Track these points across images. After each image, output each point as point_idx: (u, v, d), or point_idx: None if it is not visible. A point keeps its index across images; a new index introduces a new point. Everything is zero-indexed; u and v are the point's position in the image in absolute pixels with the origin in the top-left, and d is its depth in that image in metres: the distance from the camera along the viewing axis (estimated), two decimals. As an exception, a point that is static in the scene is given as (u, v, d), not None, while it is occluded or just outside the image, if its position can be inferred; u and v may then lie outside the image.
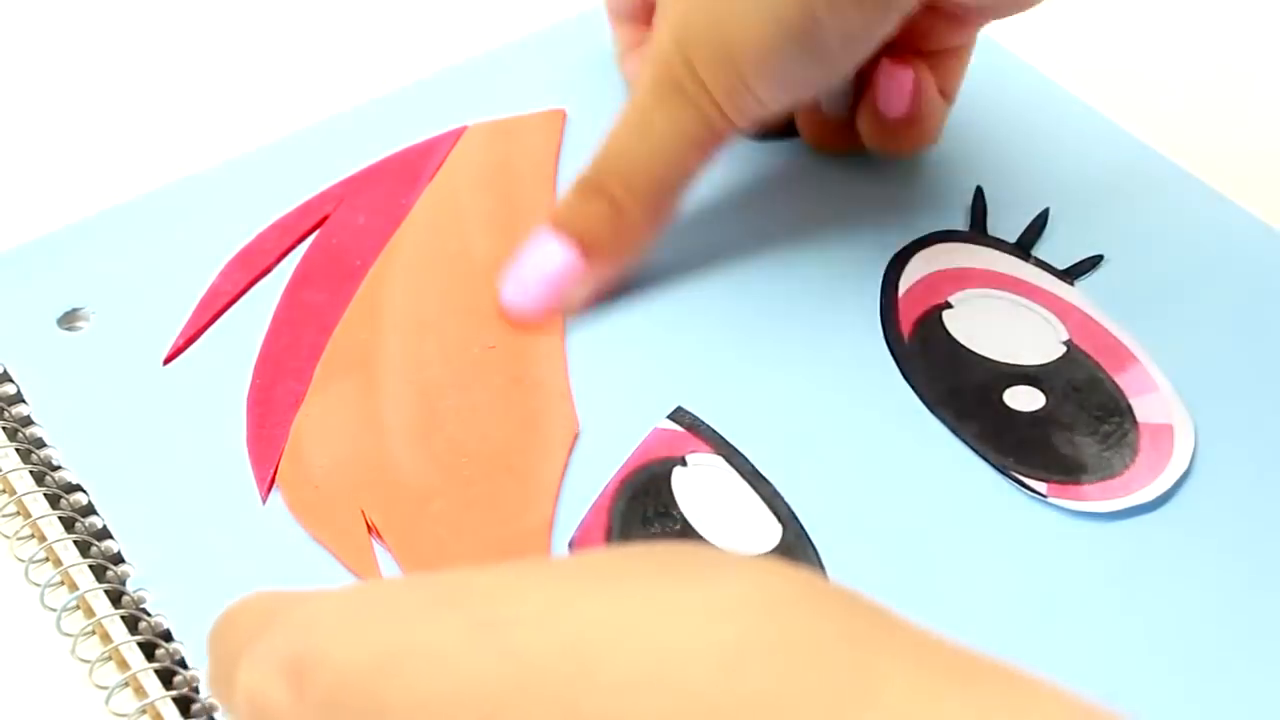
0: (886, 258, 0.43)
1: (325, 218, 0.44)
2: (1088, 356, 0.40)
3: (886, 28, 0.38)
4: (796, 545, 0.36)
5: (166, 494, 0.37)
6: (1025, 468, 0.38)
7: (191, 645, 0.34)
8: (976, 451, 0.38)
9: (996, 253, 0.43)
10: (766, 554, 0.36)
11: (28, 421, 0.39)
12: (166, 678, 0.34)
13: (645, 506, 0.37)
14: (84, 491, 0.37)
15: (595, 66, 0.49)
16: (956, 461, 0.38)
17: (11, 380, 0.40)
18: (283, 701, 0.24)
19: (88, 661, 0.34)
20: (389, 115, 0.47)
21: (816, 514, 0.37)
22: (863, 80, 0.43)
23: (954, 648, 0.22)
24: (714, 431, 0.38)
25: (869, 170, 0.45)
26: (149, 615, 0.35)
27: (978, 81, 0.48)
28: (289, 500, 0.37)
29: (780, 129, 0.45)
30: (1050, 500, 0.37)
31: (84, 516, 0.37)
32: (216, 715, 0.33)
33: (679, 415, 0.39)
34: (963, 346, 0.41)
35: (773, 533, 0.37)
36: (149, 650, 0.34)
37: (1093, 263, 0.43)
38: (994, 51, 0.49)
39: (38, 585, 0.36)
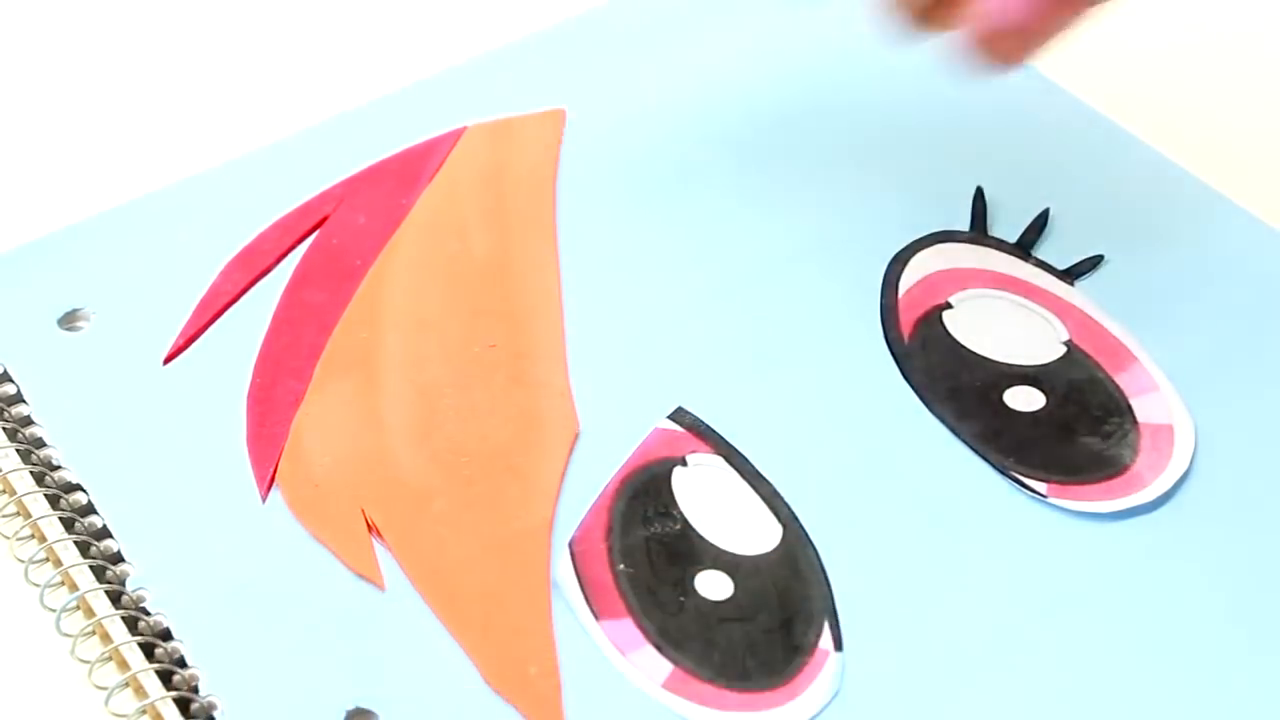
0: (886, 258, 0.43)
1: (325, 218, 0.44)
2: (1088, 356, 0.40)
3: None
4: (796, 545, 0.36)
5: (166, 493, 0.37)
6: (1025, 468, 0.38)
7: (191, 644, 0.34)
8: (976, 451, 0.38)
9: (997, 253, 0.43)
10: (767, 554, 0.36)
11: (28, 421, 0.39)
12: (166, 677, 0.34)
13: (645, 506, 0.37)
14: (84, 491, 0.37)
15: (595, 66, 0.49)
16: (956, 461, 0.38)
17: (11, 380, 0.40)
18: None
19: (87, 662, 0.34)
20: (389, 115, 0.47)
21: (816, 514, 0.37)
22: None
23: None
24: (714, 431, 0.38)
25: (869, 170, 0.45)
26: (148, 614, 0.35)
27: (978, 82, 0.48)
28: (289, 499, 0.37)
29: None
30: (1050, 500, 0.37)
31: (83, 516, 0.37)
32: (216, 714, 0.33)
33: (679, 415, 0.39)
34: (963, 346, 0.41)
35: (773, 533, 0.37)
36: (148, 650, 0.34)
37: (1093, 263, 0.43)
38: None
39: (37, 585, 0.36)
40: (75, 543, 0.36)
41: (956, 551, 0.36)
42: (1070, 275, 0.43)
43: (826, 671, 0.34)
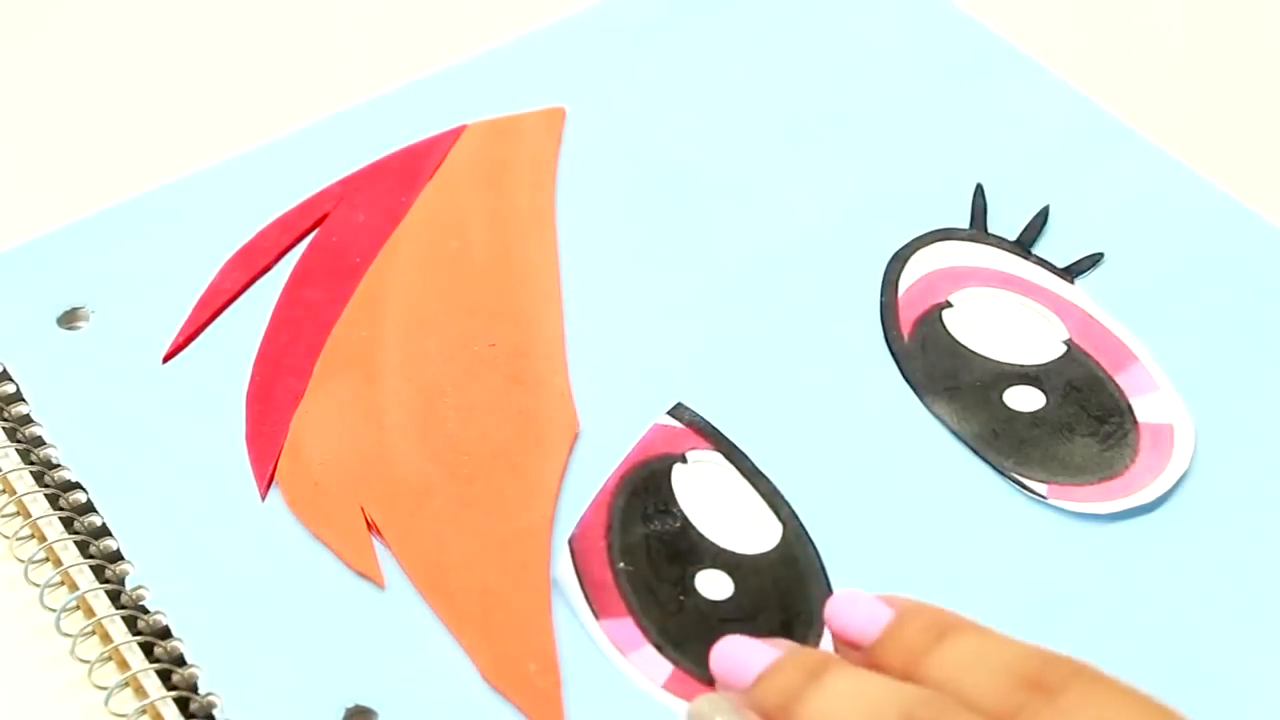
0: (886, 256, 0.43)
1: (325, 216, 0.44)
2: (1088, 356, 0.40)
3: None
4: (796, 543, 0.36)
5: (165, 491, 0.37)
6: (1025, 468, 0.38)
7: (190, 642, 0.34)
8: (976, 451, 0.38)
9: (997, 251, 0.43)
10: (767, 553, 0.36)
11: (27, 420, 0.39)
12: (165, 676, 0.34)
13: (645, 503, 0.37)
14: (83, 490, 0.37)
15: (595, 65, 0.49)
16: (956, 461, 0.38)
17: (11, 379, 0.40)
18: None
19: (87, 662, 0.34)
20: (389, 113, 0.47)
21: (816, 512, 0.37)
22: None
23: None
24: (714, 428, 0.38)
25: (869, 168, 0.45)
26: (147, 613, 0.35)
27: (978, 79, 0.48)
28: (288, 497, 0.37)
29: None
30: (1050, 501, 0.37)
31: (83, 515, 0.37)
32: (216, 713, 0.33)
33: (679, 411, 0.39)
34: (963, 346, 0.41)
35: (773, 531, 0.36)
36: (148, 649, 0.34)
37: (1093, 260, 0.43)
38: (996, 47, 0.49)
39: (37, 585, 0.36)
40: (75, 542, 0.36)
41: (956, 551, 0.36)
42: (1070, 273, 0.42)
43: (826, 671, 0.34)
